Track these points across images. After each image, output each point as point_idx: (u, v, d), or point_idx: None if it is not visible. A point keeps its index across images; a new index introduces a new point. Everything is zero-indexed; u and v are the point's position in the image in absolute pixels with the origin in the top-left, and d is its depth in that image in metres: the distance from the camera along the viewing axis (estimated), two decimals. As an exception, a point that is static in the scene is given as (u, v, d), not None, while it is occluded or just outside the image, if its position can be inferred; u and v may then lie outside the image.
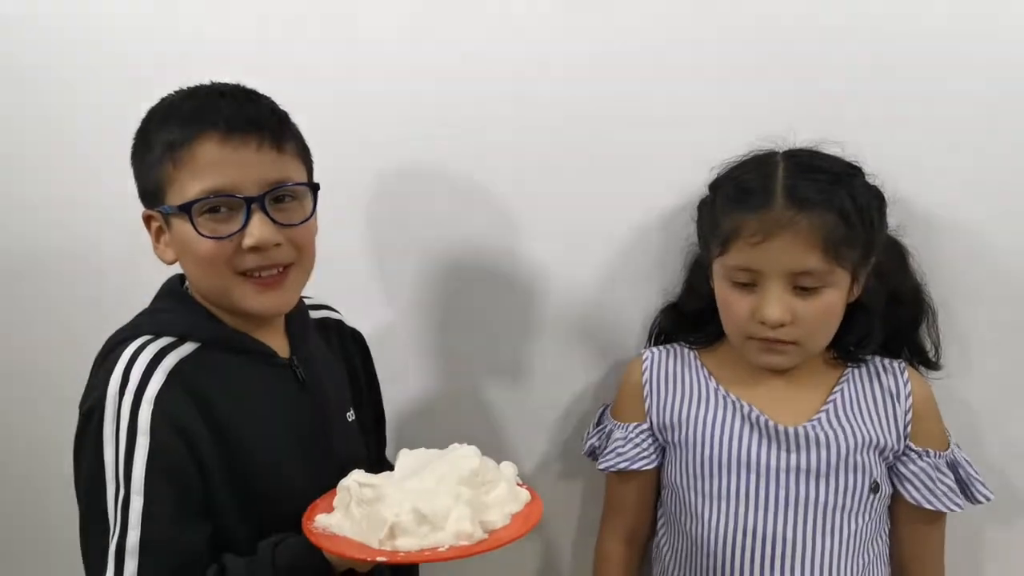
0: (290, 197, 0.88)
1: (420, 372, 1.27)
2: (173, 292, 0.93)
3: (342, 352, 1.07)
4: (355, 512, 0.77)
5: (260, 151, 0.85)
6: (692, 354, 1.09)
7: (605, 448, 1.10)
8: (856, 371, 1.04)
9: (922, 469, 1.00)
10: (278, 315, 0.94)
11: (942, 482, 1.00)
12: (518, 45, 1.15)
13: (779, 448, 0.99)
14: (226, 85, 0.90)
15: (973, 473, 1.02)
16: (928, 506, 1.00)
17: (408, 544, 0.74)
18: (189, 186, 0.83)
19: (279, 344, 0.95)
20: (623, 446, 1.08)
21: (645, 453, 1.07)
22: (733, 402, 1.03)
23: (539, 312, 1.22)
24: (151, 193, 0.87)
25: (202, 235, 0.83)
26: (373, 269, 1.25)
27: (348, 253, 1.23)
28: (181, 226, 0.85)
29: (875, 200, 0.99)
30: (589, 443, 1.14)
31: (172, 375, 0.83)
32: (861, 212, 0.95)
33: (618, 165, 1.16)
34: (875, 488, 0.99)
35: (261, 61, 1.16)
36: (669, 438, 1.06)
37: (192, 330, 0.88)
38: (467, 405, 1.27)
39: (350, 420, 1.02)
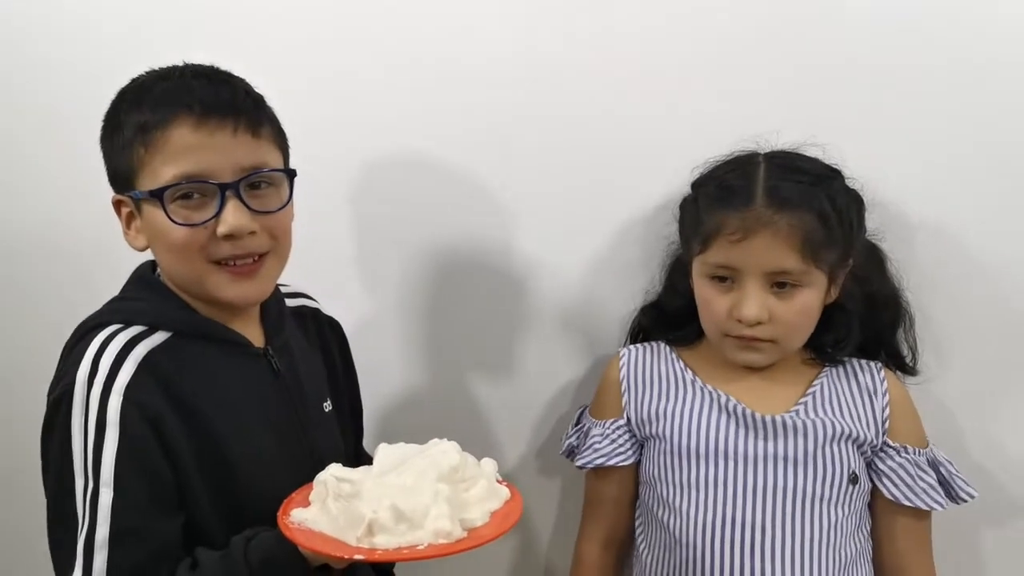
0: (266, 183, 0.86)
1: (403, 365, 1.26)
2: (144, 279, 0.91)
3: (319, 341, 1.05)
4: (332, 507, 0.76)
5: (236, 135, 0.82)
6: (671, 351, 1.10)
7: (583, 446, 1.10)
8: (833, 370, 1.05)
9: (900, 465, 1.00)
10: (253, 304, 0.92)
11: (922, 479, 1.00)
12: (509, 37, 1.14)
13: (756, 436, 0.99)
14: (200, 66, 0.87)
15: (954, 471, 1.02)
16: (907, 503, 0.99)
17: (386, 542, 0.72)
18: (161, 171, 0.80)
19: (254, 333, 0.93)
20: (600, 442, 1.08)
21: (622, 449, 1.07)
22: (710, 392, 1.03)
23: (525, 307, 1.21)
24: (121, 177, 0.85)
25: (174, 222, 0.81)
26: (358, 259, 1.23)
27: (332, 242, 1.21)
28: (153, 212, 0.82)
29: (854, 203, 1.00)
30: (567, 443, 1.13)
31: (142, 365, 0.81)
32: (840, 214, 0.96)
33: (605, 162, 1.15)
34: (854, 479, 0.99)
35: (245, 43, 1.14)
36: (647, 432, 1.06)
37: (163, 319, 0.86)
38: (450, 399, 1.26)
39: (327, 411, 1.00)
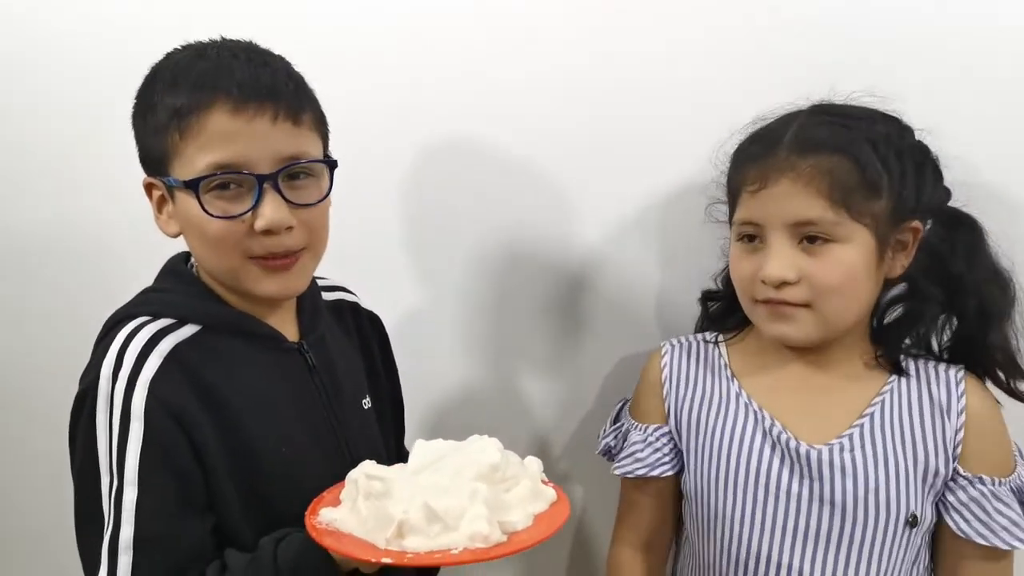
0: (305, 174, 0.81)
1: (452, 360, 1.21)
2: (175, 271, 0.88)
3: (358, 337, 1.01)
4: (362, 507, 0.71)
5: (275, 123, 0.77)
6: (715, 349, 0.99)
7: (621, 449, 1.01)
8: (905, 380, 0.90)
9: (974, 499, 0.86)
10: (289, 299, 0.88)
11: (1002, 513, 0.85)
12: (569, 23, 1.09)
13: (799, 472, 0.88)
14: (238, 43, 0.81)
15: None
16: (981, 541, 0.85)
17: (417, 544, 0.67)
18: (196, 159, 0.76)
19: (289, 328, 0.89)
20: (642, 450, 0.98)
21: (665, 459, 0.97)
22: (755, 412, 0.92)
23: (580, 301, 1.16)
24: (154, 160, 0.81)
25: (210, 215, 0.76)
26: (407, 251, 1.20)
27: (381, 234, 1.17)
28: (186, 201, 0.78)
29: (910, 150, 0.87)
30: (604, 442, 1.05)
31: (169, 358, 0.78)
32: (886, 160, 0.84)
33: (663, 153, 1.09)
34: (912, 523, 0.86)
35: (294, 25, 1.11)
36: (686, 443, 0.97)
37: (192, 311, 0.82)
38: (499, 396, 1.21)
39: (366, 408, 0.95)
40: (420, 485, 0.71)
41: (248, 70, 0.78)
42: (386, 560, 0.66)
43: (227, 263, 0.80)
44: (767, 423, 0.91)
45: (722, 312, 1.03)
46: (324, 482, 0.81)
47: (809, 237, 0.84)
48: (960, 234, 0.90)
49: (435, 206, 1.18)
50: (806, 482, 0.87)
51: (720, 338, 1.00)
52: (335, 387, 0.90)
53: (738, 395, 0.94)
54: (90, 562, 0.76)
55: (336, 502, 0.75)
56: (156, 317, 0.81)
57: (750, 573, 0.90)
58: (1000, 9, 0.96)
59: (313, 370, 0.88)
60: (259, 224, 0.77)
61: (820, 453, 0.87)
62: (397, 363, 1.06)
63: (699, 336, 1.02)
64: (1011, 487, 0.86)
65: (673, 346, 1.01)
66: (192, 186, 0.76)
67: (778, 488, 0.88)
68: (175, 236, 0.83)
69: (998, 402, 0.90)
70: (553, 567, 1.24)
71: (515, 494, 0.72)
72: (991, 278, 0.89)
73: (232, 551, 0.77)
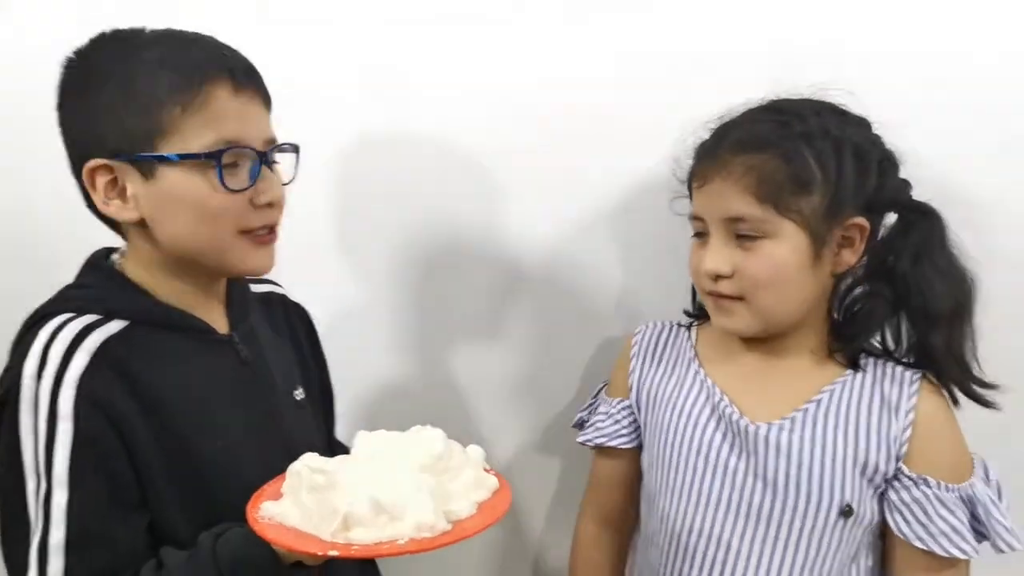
0: (280, 156, 0.84)
1: (386, 352, 1.21)
2: (99, 266, 0.85)
3: (287, 328, 1.00)
4: (306, 500, 0.71)
5: (263, 106, 0.82)
6: (686, 332, 1.02)
7: (588, 422, 1.06)
8: (859, 375, 0.90)
9: (916, 500, 0.85)
10: (266, 274, 0.87)
11: (944, 519, 0.83)
12: (529, 14, 1.09)
13: (739, 448, 0.90)
14: (199, 33, 0.82)
15: (997, 516, 0.84)
16: (919, 544, 0.84)
17: (363, 536, 0.67)
18: (202, 134, 0.76)
19: (218, 320, 0.88)
20: (604, 421, 1.04)
21: (623, 431, 1.02)
22: (708, 388, 0.95)
23: (513, 292, 1.17)
24: (128, 139, 0.77)
25: (227, 187, 0.77)
26: (338, 244, 1.19)
27: (310, 226, 1.16)
28: (179, 177, 0.76)
29: (853, 146, 0.85)
30: (579, 416, 1.10)
31: (97, 355, 0.75)
32: (820, 156, 0.84)
33: (595, 141, 1.11)
34: (846, 512, 0.86)
35: (227, 15, 1.09)
36: (644, 418, 1.01)
37: (119, 306, 0.80)
38: (434, 387, 1.22)
39: (299, 399, 0.95)
40: (365, 477, 0.71)
41: (239, 57, 0.81)
42: (332, 553, 0.67)
43: (219, 238, 0.80)
44: (716, 398, 0.93)
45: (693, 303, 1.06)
46: (262, 475, 0.80)
47: (742, 234, 0.86)
48: (916, 229, 0.88)
49: (366, 198, 1.17)
50: (743, 457, 0.89)
51: (694, 324, 1.03)
52: (268, 379, 0.90)
53: (696, 373, 0.97)
54: (17, 568, 0.73)
55: (277, 495, 0.75)
56: (80, 313, 0.78)
57: (683, 545, 0.92)
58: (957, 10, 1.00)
59: (245, 362, 0.87)
60: (265, 198, 0.80)
61: (759, 429, 0.89)
62: (326, 355, 1.05)
63: (675, 321, 1.05)
64: (960, 495, 0.85)
65: (647, 327, 1.05)
66: (215, 157, 0.76)
67: (717, 461, 0.91)
68: (135, 221, 0.80)
69: (955, 405, 0.89)
70: (495, 551, 1.26)
71: (459, 483, 0.73)
72: (940, 276, 0.86)
73: (168, 549, 0.75)
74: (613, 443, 1.02)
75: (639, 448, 1.02)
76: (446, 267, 1.18)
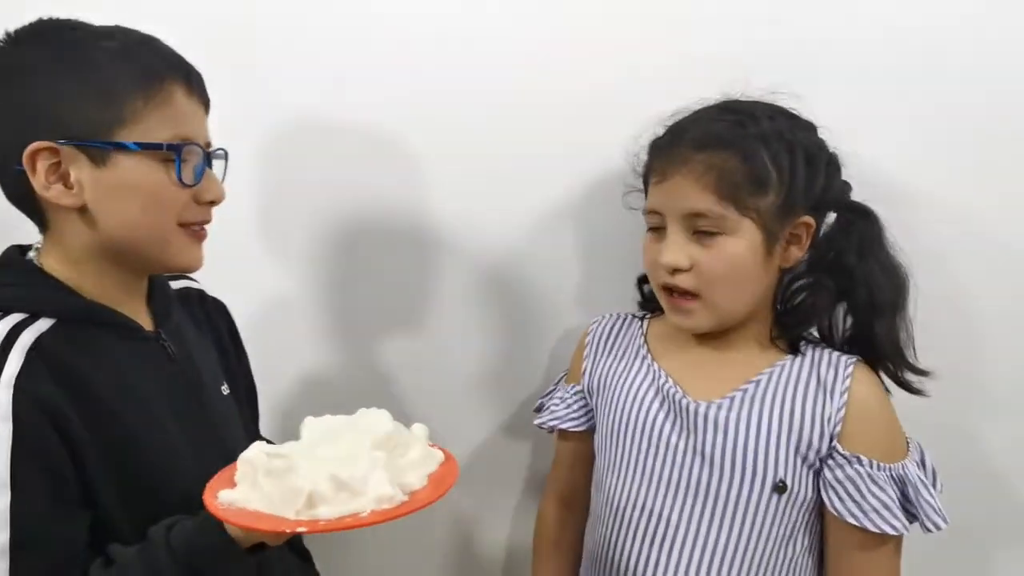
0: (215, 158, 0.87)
1: (311, 343, 1.22)
2: (14, 263, 0.83)
3: (207, 323, 1.00)
4: (264, 484, 0.73)
5: (205, 111, 0.85)
6: (639, 323, 1.06)
7: (545, 407, 1.12)
8: (798, 359, 0.94)
9: (849, 477, 0.88)
10: (196, 270, 0.88)
11: (875, 496, 0.87)
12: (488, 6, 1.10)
13: (680, 425, 0.94)
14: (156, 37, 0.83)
15: (926, 496, 0.88)
16: (852, 520, 0.88)
17: (328, 512, 0.71)
18: (161, 128, 0.78)
19: (143, 318, 0.88)
20: (558, 405, 1.09)
21: (574, 414, 1.08)
22: (655, 372, 0.99)
23: (438, 277, 1.19)
24: (81, 124, 0.76)
25: (182, 181, 0.80)
26: (259, 234, 1.18)
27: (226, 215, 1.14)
28: (135, 166, 0.77)
29: (804, 148, 0.90)
30: (540, 401, 1.15)
31: (32, 353, 0.74)
32: (776, 157, 0.88)
33: (525, 123, 1.12)
34: (780, 488, 0.90)
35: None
36: (595, 402, 1.05)
37: (46, 304, 0.79)
38: (362, 375, 1.23)
39: (225, 394, 0.96)
40: (321, 458, 0.74)
41: (187, 61, 0.83)
42: (301, 529, 0.70)
43: (162, 229, 0.82)
44: (662, 380, 0.98)
45: (652, 294, 1.05)
46: (198, 470, 0.81)
47: (700, 230, 0.89)
48: (856, 227, 0.93)
49: (287, 191, 1.17)
50: (684, 435, 0.94)
51: (647, 316, 1.07)
52: (196, 375, 0.91)
53: (645, 358, 1.01)
54: None
55: (230, 484, 0.76)
56: (6, 313, 0.77)
57: (624, 520, 0.97)
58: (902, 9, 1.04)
59: (173, 359, 0.88)
60: (208, 195, 0.83)
61: (699, 407, 0.93)
62: (247, 349, 1.06)
63: (630, 312, 1.09)
64: (891, 474, 0.88)
65: (604, 317, 1.10)
66: (175, 149, 0.79)
67: (660, 439, 0.95)
68: (77, 207, 0.78)
69: (888, 392, 0.94)
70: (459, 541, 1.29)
71: (409, 459, 0.78)
72: (882, 271, 0.92)
73: (116, 546, 0.76)
74: (564, 425, 1.07)
75: (591, 432, 1.07)
76: (368, 252, 1.19)
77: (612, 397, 1.02)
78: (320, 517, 0.71)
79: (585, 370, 1.08)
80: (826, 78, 1.04)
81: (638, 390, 0.99)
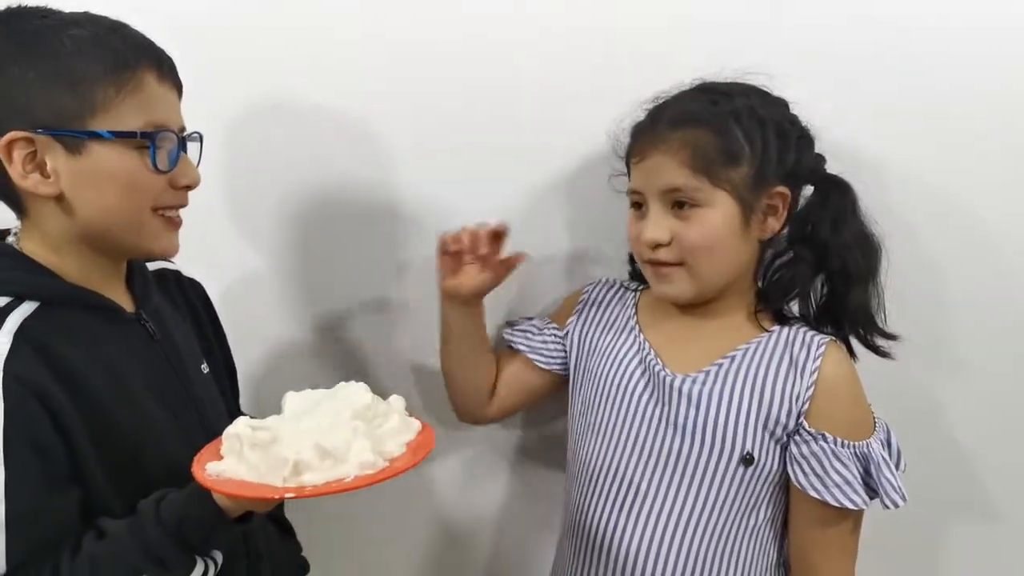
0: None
1: (282, 319, 1.23)
2: None
3: (185, 304, 1.03)
4: (250, 456, 0.77)
5: (177, 95, 0.86)
6: (632, 293, 1.10)
7: (518, 326, 1.16)
8: (774, 335, 0.97)
9: (814, 453, 0.92)
10: (172, 257, 0.92)
11: (838, 472, 0.91)
12: None
13: (657, 396, 0.98)
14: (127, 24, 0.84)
15: (887, 474, 0.91)
16: (814, 494, 0.92)
17: (314, 479, 0.75)
18: (134, 115, 0.79)
19: (123, 299, 0.90)
20: (534, 333, 1.13)
21: (545, 349, 1.11)
22: (640, 343, 1.03)
23: (407, 252, 1.21)
24: (54, 115, 0.77)
25: (157, 168, 0.81)
26: (228, 213, 1.19)
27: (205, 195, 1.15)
28: (109, 155, 0.78)
29: (775, 122, 0.94)
30: (508, 320, 1.18)
31: (18, 336, 0.76)
32: (748, 132, 0.92)
33: (495, 96, 1.13)
34: (747, 460, 0.94)
35: None
36: (575, 361, 1.09)
37: (29, 287, 0.81)
38: (333, 351, 1.25)
39: (205, 372, 0.99)
40: (304, 429, 0.78)
41: (158, 47, 0.83)
42: (289, 495, 0.73)
43: (137, 215, 0.83)
44: (645, 352, 1.02)
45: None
46: (183, 447, 0.84)
47: (679, 202, 0.93)
48: (831, 199, 0.97)
49: (253, 165, 1.18)
50: (659, 406, 0.98)
51: (641, 287, 1.10)
52: (178, 355, 0.93)
53: (632, 329, 1.05)
54: None
55: (217, 457, 0.80)
56: None
57: (597, 485, 1.01)
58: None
59: (155, 339, 0.90)
60: (184, 180, 0.85)
61: (675, 380, 0.97)
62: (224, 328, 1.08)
63: (625, 283, 1.13)
64: (854, 451, 0.92)
65: (602, 281, 1.14)
66: (149, 137, 0.80)
67: (638, 408, 1.00)
68: (54, 196, 0.79)
69: (853, 358, 0.99)
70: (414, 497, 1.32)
71: (387, 428, 0.82)
72: (856, 242, 0.96)
73: (106, 519, 0.78)
74: (533, 356, 1.11)
75: (549, 374, 1.12)
76: (336, 229, 1.20)
77: (598, 361, 1.05)
78: (307, 483, 0.75)
79: (573, 323, 1.11)
80: (805, 60, 1.08)
81: (623, 360, 1.03)
